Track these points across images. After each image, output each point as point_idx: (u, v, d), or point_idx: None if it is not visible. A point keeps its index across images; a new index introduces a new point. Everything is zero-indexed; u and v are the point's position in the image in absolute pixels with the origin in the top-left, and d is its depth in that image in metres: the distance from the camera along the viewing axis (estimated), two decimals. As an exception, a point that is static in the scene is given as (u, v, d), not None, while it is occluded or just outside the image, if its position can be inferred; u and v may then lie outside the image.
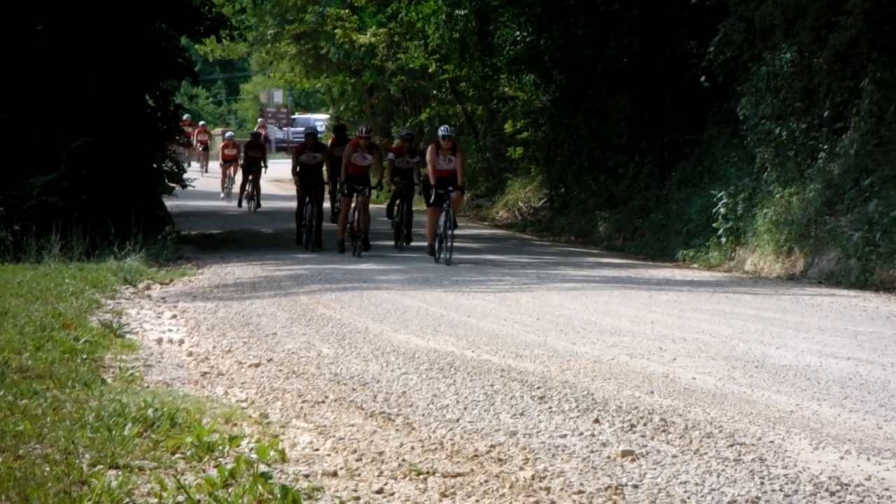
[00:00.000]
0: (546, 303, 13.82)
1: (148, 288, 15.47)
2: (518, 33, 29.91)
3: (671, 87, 24.07)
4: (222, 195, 35.22)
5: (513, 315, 12.62)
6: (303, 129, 59.00)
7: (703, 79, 21.54)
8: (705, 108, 22.89)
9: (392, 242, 22.11)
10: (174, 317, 12.69)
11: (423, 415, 7.47)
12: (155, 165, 24.30)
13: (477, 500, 5.62)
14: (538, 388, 8.27)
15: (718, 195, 20.08)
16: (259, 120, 50.91)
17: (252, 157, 31.80)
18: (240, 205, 32.43)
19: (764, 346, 10.27)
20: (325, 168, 22.65)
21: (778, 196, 18.89)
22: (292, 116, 61.62)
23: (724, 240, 19.84)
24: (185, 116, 42.40)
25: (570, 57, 27.96)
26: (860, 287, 15.86)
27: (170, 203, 27.25)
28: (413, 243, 21.96)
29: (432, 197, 19.23)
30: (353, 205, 20.67)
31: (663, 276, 17.66)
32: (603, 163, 26.37)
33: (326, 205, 23.67)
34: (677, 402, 7.75)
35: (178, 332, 11.53)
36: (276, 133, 65.38)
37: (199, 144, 46.56)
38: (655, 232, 22.69)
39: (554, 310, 13.12)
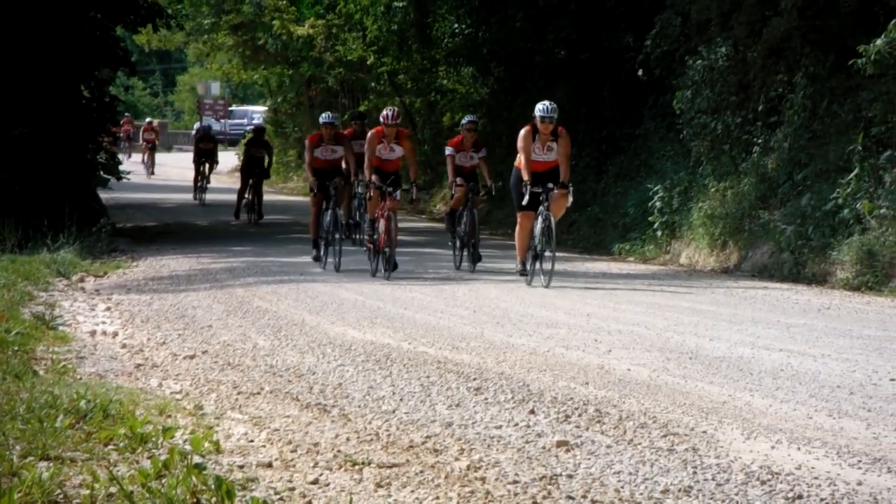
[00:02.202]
0: (483, 295, 13.85)
1: (82, 280, 15.33)
2: (456, 26, 29.93)
3: (608, 81, 24.19)
4: (195, 199, 31.77)
5: (449, 307, 12.63)
6: (241, 120, 58.78)
7: (639, 72, 21.68)
8: (642, 101, 23.02)
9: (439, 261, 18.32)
10: (108, 309, 12.59)
11: (358, 406, 7.46)
12: (89, 157, 24.07)
13: (412, 491, 5.62)
14: (474, 379, 8.29)
15: (654, 189, 20.21)
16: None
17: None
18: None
19: (698, 337, 10.35)
20: (345, 165, 17.59)
21: (713, 190, 19.05)
22: (230, 108, 61.19)
23: (659, 233, 19.98)
24: (126, 115, 41.84)
25: (508, 50, 28.02)
26: (793, 280, 16.03)
27: (105, 195, 27.01)
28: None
29: (525, 198, 14.69)
30: (378, 211, 15.93)
31: (599, 269, 17.75)
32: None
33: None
34: (612, 393, 7.80)
35: (112, 324, 11.44)
36: (213, 125, 64.91)
37: (144, 143, 43.97)
38: (592, 225, 22.79)
39: (490, 302, 13.15)
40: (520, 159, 14.86)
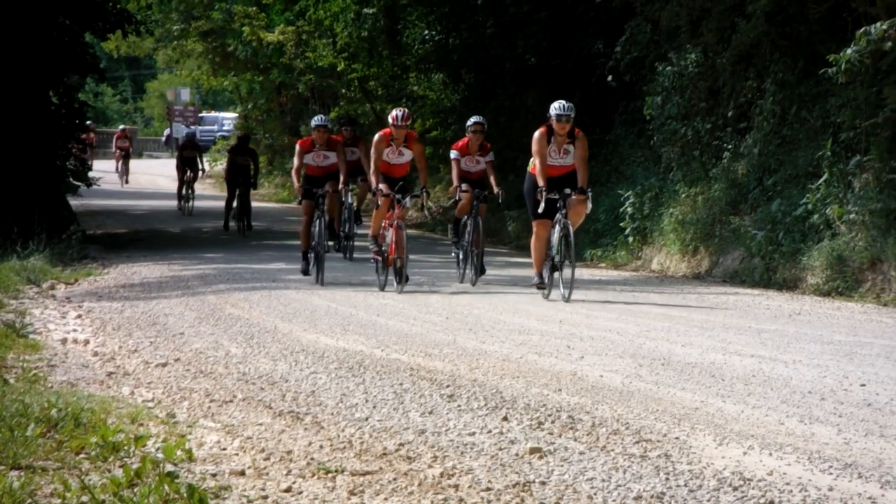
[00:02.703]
0: (455, 302, 13.86)
1: (52, 288, 15.25)
2: (427, 32, 29.96)
3: (579, 87, 24.25)
4: (179, 208, 31.08)
5: (422, 314, 12.63)
6: (212, 127, 58.60)
7: (610, 78, 21.75)
8: (613, 107, 23.11)
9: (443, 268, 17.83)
10: (79, 317, 12.52)
11: (331, 413, 7.45)
12: (59, 163, 23.96)
13: (385, 499, 5.62)
14: (447, 386, 8.29)
15: (625, 195, 20.28)
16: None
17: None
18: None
19: (670, 343, 10.39)
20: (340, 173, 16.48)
21: (684, 195, 19.13)
22: (200, 115, 61.07)
23: (631, 239, 20.04)
24: (89, 122, 41.22)
25: (478, 56, 28.07)
26: (763, 286, 16.11)
27: (75, 202, 26.89)
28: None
29: (541, 205, 13.83)
30: (386, 220, 14.91)
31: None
32: (512, 162, 26.50)
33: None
34: (585, 399, 7.81)
35: (83, 332, 11.38)
36: (183, 132, 64.77)
37: (118, 150, 42.64)
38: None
39: (463, 309, 13.15)
40: (534, 163, 13.87)
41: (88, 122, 46.31)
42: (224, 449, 6.53)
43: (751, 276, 16.63)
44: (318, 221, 15.77)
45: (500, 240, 25.04)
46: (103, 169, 40.69)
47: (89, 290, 15.19)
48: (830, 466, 6.02)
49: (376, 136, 15.16)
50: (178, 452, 6.15)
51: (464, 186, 15.99)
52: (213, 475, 5.93)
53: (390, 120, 15.06)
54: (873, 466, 6.03)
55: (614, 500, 5.54)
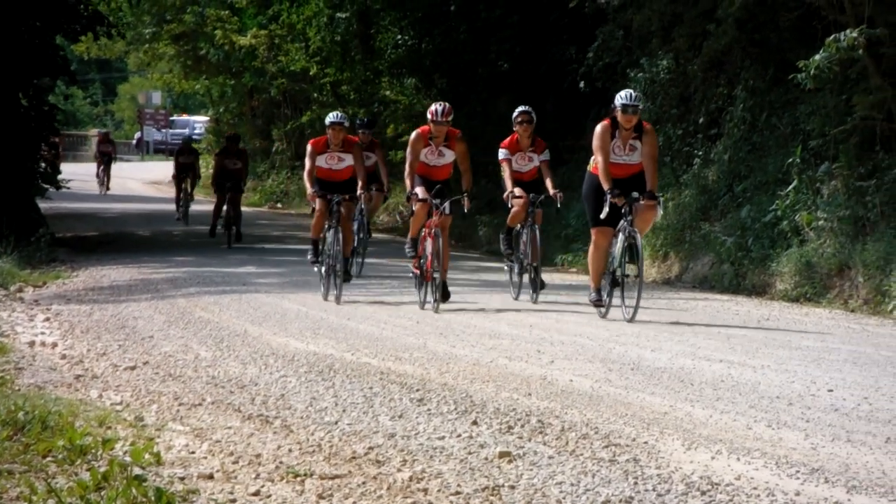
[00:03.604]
0: (427, 306, 13.84)
1: (20, 290, 15.16)
2: (399, 37, 29.94)
3: (551, 93, 24.31)
4: (178, 216, 29.14)
5: (393, 318, 12.62)
6: (183, 130, 58.42)
7: (582, 84, 21.81)
8: (585, 113, 23.14)
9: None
10: (47, 319, 12.46)
11: (301, 417, 7.44)
12: (28, 166, 23.82)
13: (354, 502, 5.61)
14: (417, 390, 8.29)
15: (596, 200, 20.29)
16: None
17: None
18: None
19: (639, 348, 10.41)
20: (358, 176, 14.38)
21: (654, 201, 19.17)
22: (171, 118, 60.90)
23: (601, 244, 20.06)
24: (104, 131, 40.51)
25: (451, 61, 28.07)
26: (733, 291, 16.18)
27: (44, 205, 26.75)
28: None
29: (604, 210, 12.08)
30: (426, 229, 13.38)
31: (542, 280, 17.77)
32: (483, 167, 26.52)
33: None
34: (554, 404, 7.82)
35: (51, 334, 11.33)
36: (154, 135, 64.62)
37: (99, 155, 39.60)
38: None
39: (434, 313, 13.14)
40: (595, 162, 12.17)
41: (103, 130, 44.71)
42: (192, 452, 6.51)
43: (720, 282, 16.70)
44: (332, 231, 13.95)
45: (470, 244, 25.08)
46: (74, 172, 40.45)
47: (58, 293, 15.12)
48: (798, 471, 6.05)
49: (413, 135, 13.62)
50: (146, 456, 6.13)
51: (517, 191, 13.96)
52: (182, 479, 5.91)
53: (429, 115, 13.41)
54: (840, 471, 6.06)
55: (583, 504, 5.55)
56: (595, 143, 12.13)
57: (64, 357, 9.94)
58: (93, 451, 6.22)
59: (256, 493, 5.71)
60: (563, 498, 5.64)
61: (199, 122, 57.06)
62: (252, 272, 17.45)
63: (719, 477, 5.96)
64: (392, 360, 9.70)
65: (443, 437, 6.85)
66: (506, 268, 14.73)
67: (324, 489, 5.77)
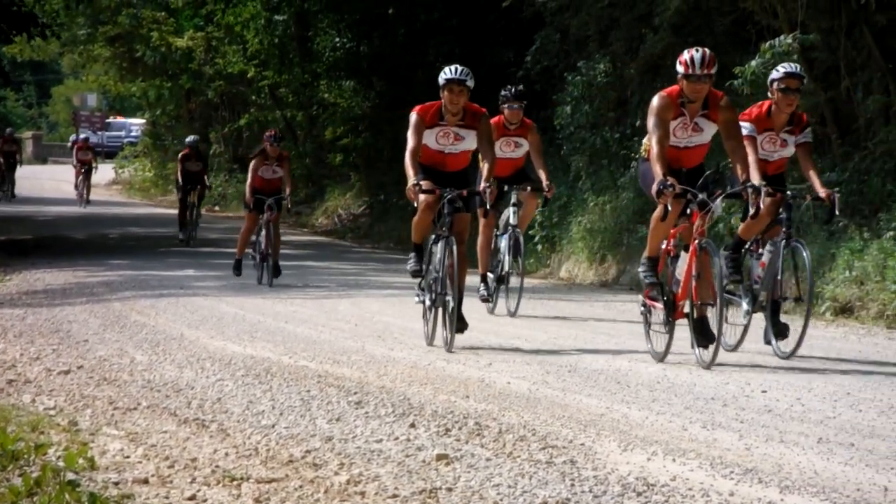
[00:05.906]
0: (365, 309, 13.83)
1: (-48, 294, 14.98)
2: (337, 39, 29.89)
3: (491, 95, 24.33)
4: (181, 236, 24.43)
5: (331, 321, 12.59)
6: (119, 133, 57.85)
7: (520, 87, 21.83)
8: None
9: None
10: (-20, 324, 12.31)
11: (238, 421, 7.40)
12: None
13: (291, 506, 5.59)
14: (355, 393, 8.27)
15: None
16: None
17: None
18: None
19: (577, 351, 10.46)
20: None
21: (592, 204, 19.27)
22: (107, 120, 60.32)
23: (539, 247, 20.15)
24: (8, 130, 39.21)
25: (389, 64, 28.08)
26: (670, 293, 16.26)
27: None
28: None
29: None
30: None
31: (478, 283, 17.79)
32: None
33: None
34: (492, 406, 7.84)
35: (-17, 339, 11.19)
36: (92, 138, 63.92)
37: (78, 164, 35.73)
38: (471, 237, 22.88)
39: (372, 316, 13.14)
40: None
41: (83, 137, 42.20)
42: (127, 457, 6.45)
43: (657, 285, 16.79)
44: (440, 244, 10.72)
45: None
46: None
47: (-9, 296, 14.93)
48: (732, 472, 6.10)
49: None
50: (80, 461, 6.07)
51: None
52: (116, 483, 5.86)
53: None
54: (773, 471, 6.12)
55: (520, 506, 5.57)
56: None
57: (-4, 361, 9.83)
58: (25, 456, 6.15)
59: (192, 498, 5.67)
60: (501, 500, 5.65)
61: (135, 125, 56.54)
62: (190, 275, 17.34)
63: (655, 478, 6.00)
64: (330, 363, 9.68)
65: (380, 440, 6.84)
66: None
67: (260, 493, 5.74)
